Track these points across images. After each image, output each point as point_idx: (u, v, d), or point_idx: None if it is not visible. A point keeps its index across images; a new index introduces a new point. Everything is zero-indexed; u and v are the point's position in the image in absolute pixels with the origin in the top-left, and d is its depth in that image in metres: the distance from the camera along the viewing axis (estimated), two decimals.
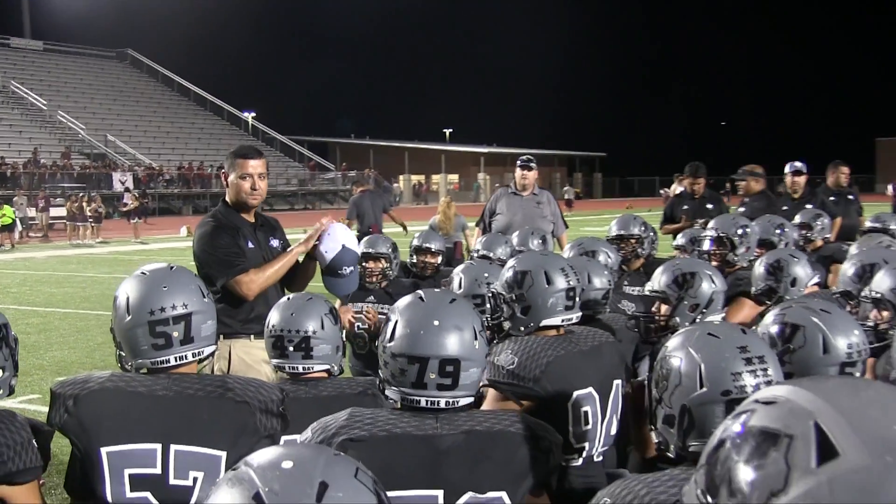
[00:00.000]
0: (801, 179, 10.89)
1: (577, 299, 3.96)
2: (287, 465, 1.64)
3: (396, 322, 2.86)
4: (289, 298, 4.00)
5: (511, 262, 4.08)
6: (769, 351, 2.58)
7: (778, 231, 7.08)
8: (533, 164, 10.18)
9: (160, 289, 3.21)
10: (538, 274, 3.87)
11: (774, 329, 3.21)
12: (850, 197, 11.87)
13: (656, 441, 2.60)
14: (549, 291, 3.85)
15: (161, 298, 3.19)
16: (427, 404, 2.81)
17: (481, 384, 2.95)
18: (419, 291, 2.98)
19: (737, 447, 1.32)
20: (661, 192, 57.72)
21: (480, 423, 2.82)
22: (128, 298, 3.21)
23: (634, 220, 6.94)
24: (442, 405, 2.81)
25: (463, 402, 2.85)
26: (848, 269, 5.05)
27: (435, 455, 2.72)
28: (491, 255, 6.55)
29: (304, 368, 3.82)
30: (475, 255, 6.73)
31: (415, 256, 7.25)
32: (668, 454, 2.52)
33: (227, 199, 5.56)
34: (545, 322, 3.88)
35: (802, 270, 5.42)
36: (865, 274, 4.46)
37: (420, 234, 7.50)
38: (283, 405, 3.29)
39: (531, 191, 10.08)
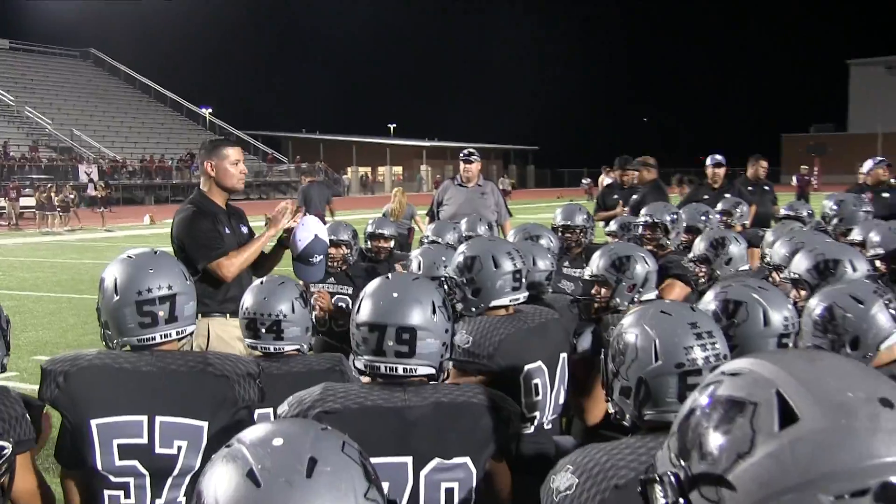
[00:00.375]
0: (721, 171, 11.03)
1: (524, 280, 3.99)
2: (277, 442, 1.66)
3: (363, 296, 2.92)
4: (262, 283, 4.01)
5: (461, 248, 4.11)
6: (716, 326, 2.64)
7: (703, 218, 7.19)
8: (474, 158, 10.08)
9: (147, 271, 3.21)
10: (486, 258, 3.91)
11: (717, 306, 3.25)
12: (766, 188, 12.05)
13: (612, 411, 2.63)
14: (498, 274, 3.88)
15: (148, 280, 3.20)
16: (386, 370, 2.85)
17: (444, 358, 2.99)
18: (389, 274, 3.02)
19: (706, 415, 1.35)
20: (584, 181, 57.99)
21: (446, 395, 2.84)
22: (115, 280, 3.20)
23: (579, 211, 6.94)
24: (399, 372, 2.85)
25: (421, 370, 2.88)
26: (780, 248, 5.20)
27: (404, 425, 2.73)
28: (440, 240, 6.63)
29: (275, 349, 3.85)
30: (426, 240, 6.78)
31: (369, 242, 7.28)
32: (624, 423, 2.56)
33: (204, 187, 5.61)
34: (494, 302, 3.91)
35: (738, 252, 5.58)
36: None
37: (373, 221, 7.51)
38: (259, 379, 3.31)
39: (475, 182, 9.99)
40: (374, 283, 2.98)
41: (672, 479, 1.37)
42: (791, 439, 1.23)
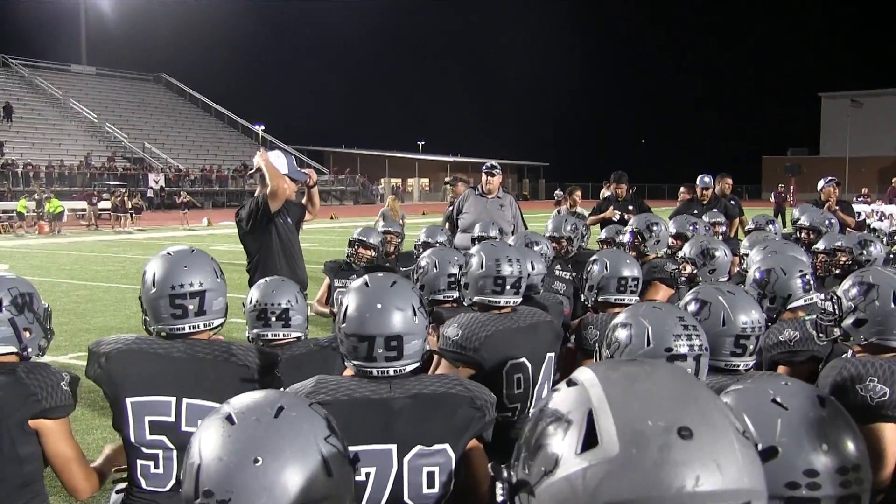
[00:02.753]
0: (709, 191, 11.11)
1: (507, 287, 3.88)
2: (256, 396, 1.75)
3: (347, 306, 2.77)
4: (266, 281, 4.01)
5: (473, 248, 4.10)
6: (698, 322, 2.73)
7: (691, 227, 7.18)
8: (497, 171, 9.54)
9: (181, 268, 3.18)
10: (486, 258, 3.89)
11: (689, 301, 3.29)
12: (732, 202, 12.06)
13: None
14: (481, 275, 3.90)
15: (181, 276, 3.16)
16: (378, 373, 2.74)
17: (427, 349, 2.90)
18: (365, 277, 2.88)
19: (536, 424, 1.25)
20: (556, 193, 57.19)
21: (427, 387, 2.76)
22: (154, 274, 3.18)
23: (565, 223, 6.82)
24: (391, 374, 2.74)
25: (409, 368, 2.78)
26: (755, 256, 5.13)
27: (388, 415, 2.65)
28: (431, 240, 6.83)
29: (283, 335, 3.84)
30: (418, 243, 7.00)
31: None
32: None
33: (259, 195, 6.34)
34: (476, 298, 3.92)
35: (724, 261, 5.65)
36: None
37: (384, 223, 7.85)
38: (277, 368, 3.28)
39: (495, 194, 9.47)
40: (354, 291, 2.81)
41: (506, 480, 1.27)
42: (587, 464, 1.12)
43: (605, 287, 4.49)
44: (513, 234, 8.84)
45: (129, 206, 35.88)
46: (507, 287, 3.87)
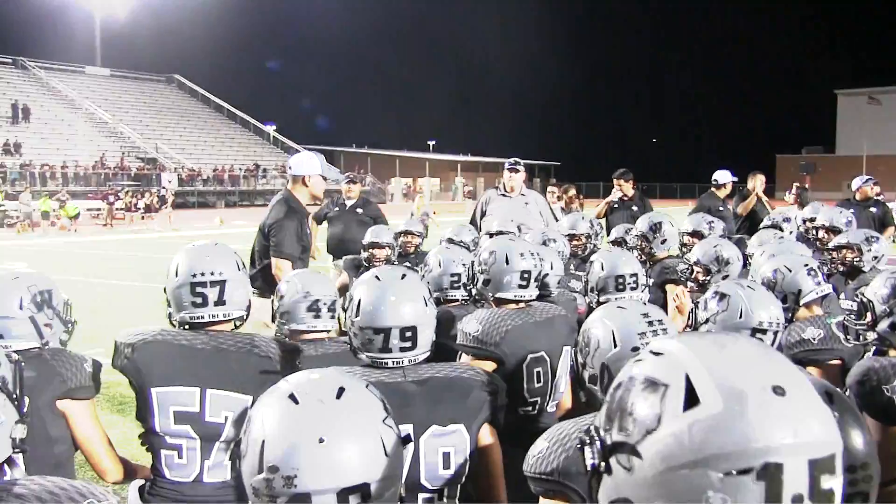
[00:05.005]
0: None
1: (532, 281, 3.91)
2: (314, 375, 1.83)
3: (360, 300, 2.81)
4: (298, 273, 4.06)
5: (486, 244, 4.10)
6: (666, 316, 2.65)
7: (707, 226, 6.98)
8: (520, 167, 9.01)
9: (203, 257, 3.24)
10: (500, 254, 3.88)
11: (710, 295, 3.35)
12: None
13: (584, 400, 2.64)
14: (507, 270, 3.86)
15: (203, 265, 3.21)
16: (393, 364, 2.79)
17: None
18: (373, 270, 2.93)
19: (628, 390, 1.33)
20: (549, 188, 57.28)
21: (439, 372, 2.84)
22: (178, 265, 3.24)
23: (582, 220, 6.81)
24: (405, 363, 2.80)
25: (421, 358, 2.85)
26: (759, 259, 4.99)
27: (404, 398, 2.69)
28: (455, 239, 6.57)
29: (310, 327, 3.84)
30: (444, 240, 6.61)
31: (399, 239, 7.21)
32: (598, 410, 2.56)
33: (293, 190, 6.37)
34: (499, 294, 3.88)
35: (736, 262, 5.37)
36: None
37: (406, 222, 7.56)
38: (299, 360, 3.31)
39: (518, 192, 8.91)
40: (366, 287, 2.85)
41: (598, 443, 1.35)
42: (690, 421, 1.21)
43: (605, 287, 4.39)
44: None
45: (147, 205, 36.04)
46: (532, 281, 3.90)
